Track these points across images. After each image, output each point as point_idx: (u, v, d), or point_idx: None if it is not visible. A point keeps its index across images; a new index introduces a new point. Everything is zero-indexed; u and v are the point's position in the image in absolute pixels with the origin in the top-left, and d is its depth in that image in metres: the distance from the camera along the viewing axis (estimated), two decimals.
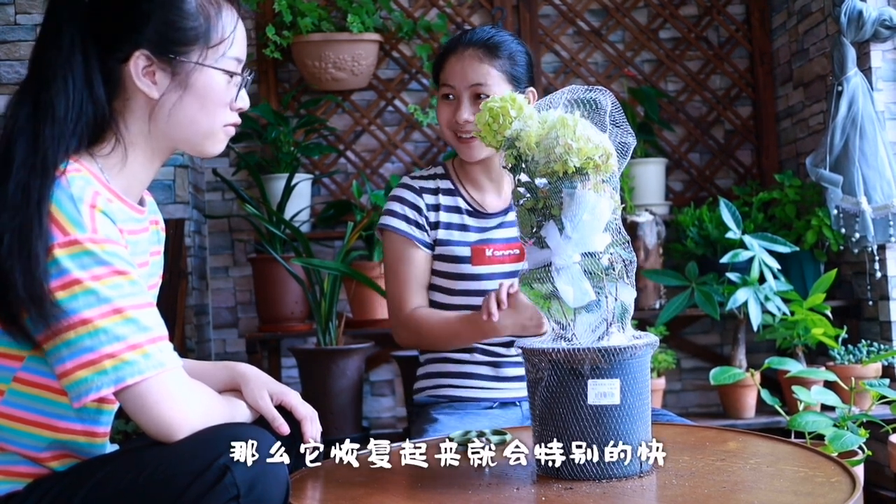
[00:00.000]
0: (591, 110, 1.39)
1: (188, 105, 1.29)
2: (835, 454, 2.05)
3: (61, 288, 1.15)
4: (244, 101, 1.36)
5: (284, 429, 1.38)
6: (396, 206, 1.94)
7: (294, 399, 1.43)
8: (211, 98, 1.30)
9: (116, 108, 1.29)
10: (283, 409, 1.42)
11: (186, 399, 1.20)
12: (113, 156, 1.29)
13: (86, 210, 1.17)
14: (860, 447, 2.39)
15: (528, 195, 1.39)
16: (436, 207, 1.93)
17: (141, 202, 1.38)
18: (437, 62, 1.95)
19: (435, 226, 1.92)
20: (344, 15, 3.52)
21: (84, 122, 1.25)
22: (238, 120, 1.36)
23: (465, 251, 1.91)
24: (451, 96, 1.89)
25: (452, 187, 1.95)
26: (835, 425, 2.42)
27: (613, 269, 1.35)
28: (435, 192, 1.95)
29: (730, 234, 3.00)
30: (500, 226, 1.94)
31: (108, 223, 1.20)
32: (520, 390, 1.93)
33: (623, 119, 1.41)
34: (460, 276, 1.90)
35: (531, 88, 1.91)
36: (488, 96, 1.84)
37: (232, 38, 1.32)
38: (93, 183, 1.22)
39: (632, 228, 3.33)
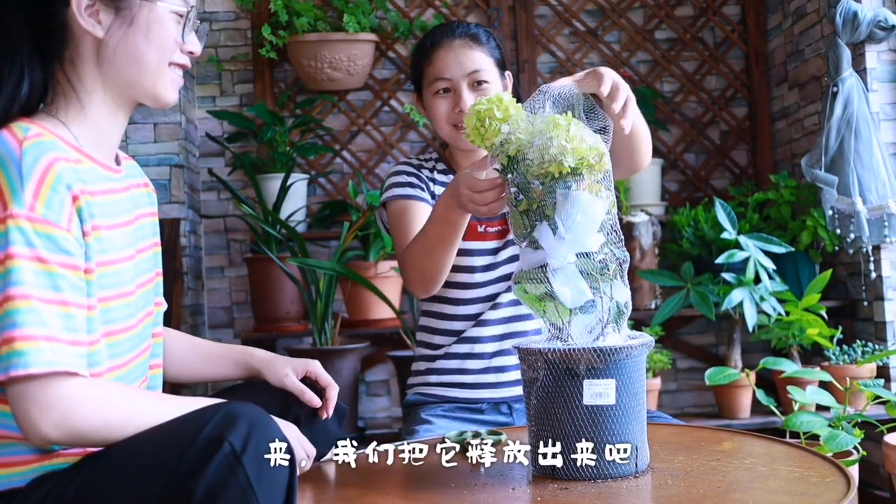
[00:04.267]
0: (566, 105, 1.42)
1: (133, 40, 1.28)
2: (829, 454, 2.06)
3: None
4: (195, 45, 1.35)
5: (316, 401, 1.46)
6: (396, 179, 1.92)
7: (318, 367, 1.52)
8: (156, 33, 1.30)
9: (67, 57, 1.29)
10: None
11: (63, 417, 1.14)
12: (72, 109, 1.28)
13: (32, 184, 1.16)
14: (855, 447, 2.39)
15: (522, 197, 1.39)
16: (432, 181, 1.93)
17: (118, 163, 1.37)
18: (419, 61, 1.92)
19: (432, 196, 1.91)
20: (340, 15, 3.52)
21: (32, 78, 1.25)
22: (187, 62, 1.35)
23: None
24: (446, 90, 1.88)
25: (447, 168, 1.97)
26: (830, 425, 2.43)
27: (608, 269, 1.35)
28: (431, 169, 1.96)
29: (725, 235, 3.00)
30: None
31: (55, 203, 1.17)
32: (510, 389, 1.91)
33: (593, 104, 1.44)
34: None
35: (507, 72, 1.95)
36: (487, 83, 1.86)
37: None
38: (55, 148, 1.19)
39: (627, 229, 3.33)
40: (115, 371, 1.29)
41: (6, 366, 1.12)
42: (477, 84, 1.87)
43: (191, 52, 1.35)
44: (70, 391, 1.15)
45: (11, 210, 1.14)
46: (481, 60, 1.88)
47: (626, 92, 1.55)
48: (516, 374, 1.87)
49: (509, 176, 1.41)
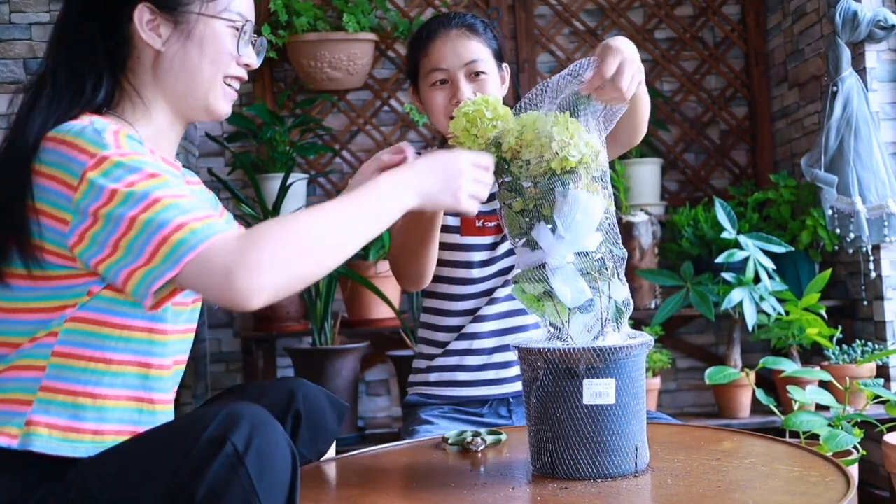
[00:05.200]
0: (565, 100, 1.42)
1: (190, 53, 1.33)
2: (829, 454, 2.06)
3: (104, 205, 1.16)
4: (251, 58, 1.40)
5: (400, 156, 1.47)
6: None
7: (401, 146, 1.52)
8: (212, 46, 1.34)
9: (130, 67, 1.34)
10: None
11: (246, 255, 1.14)
12: (137, 112, 1.34)
13: (109, 134, 1.21)
14: (854, 447, 2.39)
15: (516, 196, 1.39)
16: None
17: None
18: (415, 52, 1.89)
19: None
20: (340, 14, 3.52)
21: (108, 86, 1.31)
22: (243, 74, 1.39)
23: (454, 220, 1.89)
24: (443, 81, 1.83)
25: None
26: (829, 425, 2.43)
27: (606, 268, 1.35)
28: None
29: (725, 234, 3.00)
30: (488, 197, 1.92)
31: (135, 144, 1.22)
32: (511, 385, 1.91)
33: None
34: (448, 245, 1.87)
35: (505, 64, 1.92)
36: (484, 73, 1.83)
37: None
38: (120, 125, 1.26)
39: (627, 228, 3.33)
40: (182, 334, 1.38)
41: (175, 260, 1.13)
42: (474, 75, 1.83)
43: (247, 65, 1.39)
44: (233, 242, 1.14)
45: (102, 153, 1.18)
46: (478, 51, 1.84)
47: (630, 73, 1.47)
48: (517, 371, 1.87)
49: (503, 177, 1.41)
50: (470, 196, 1.33)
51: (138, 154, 1.21)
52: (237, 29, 1.36)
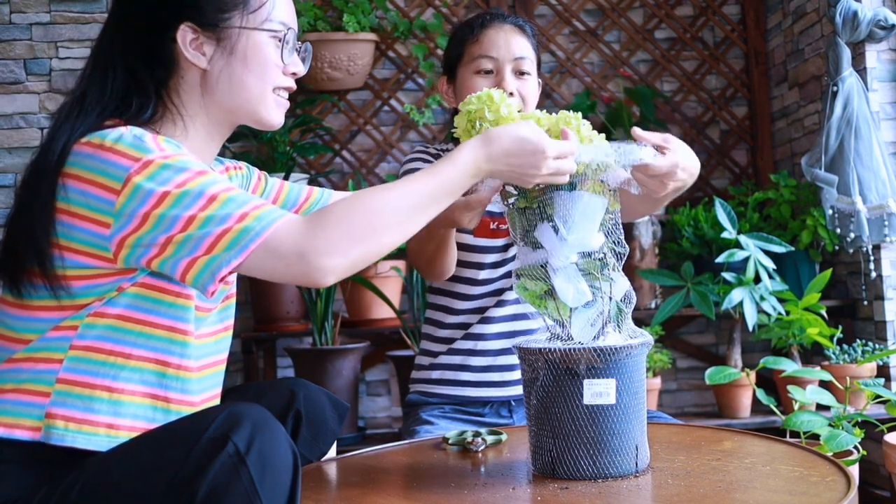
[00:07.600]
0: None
1: (235, 68, 1.33)
2: (830, 454, 2.06)
3: (154, 208, 1.17)
4: (298, 66, 1.39)
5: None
6: (413, 165, 1.92)
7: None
8: (256, 59, 1.34)
9: (172, 86, 1.33)
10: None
11: (315, 238, 1.18)
12: (178, 130, 1.33)
13: (149, 139, 1.22)
14: (855, 447, 2.39)
15: (518, 194, 1.39)
16: None
17: None
18: (463, 39, 1.89)
19: None
20: (340, 14, 3.51)
21: (154, 107, 1.31)
22: (291, 84, 1.39)
23: None
24: (488, 70, 1.85)
25: None
26: (830, 425, 2.43)
27: (608, 266, 1.35)
28: None
29: (725, 234, 3.00)
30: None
31: (174, 146, 1.23)
32: (514, 388, 1.91)
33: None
34: (459, 245, 1.87)
35: (539, 80, 1.93)
36: (529, 74, 1.85)
37: (273, 3, 1.35)
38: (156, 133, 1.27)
39: (627, 228, 3.32)
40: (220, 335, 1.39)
41: (241, 247, 1.17)
42: (520, 73, 1.85)
43: (294, 74, 1.39)
44: (301, 226, 1.19)
45: (146, 157, 1.19)
46: (528, 51, 1.86)
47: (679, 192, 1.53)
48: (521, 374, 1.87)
49: None
50: (542, 181, 1.33)
51: (181, 155, 1.22)
52: (280, 39, 1.35)
